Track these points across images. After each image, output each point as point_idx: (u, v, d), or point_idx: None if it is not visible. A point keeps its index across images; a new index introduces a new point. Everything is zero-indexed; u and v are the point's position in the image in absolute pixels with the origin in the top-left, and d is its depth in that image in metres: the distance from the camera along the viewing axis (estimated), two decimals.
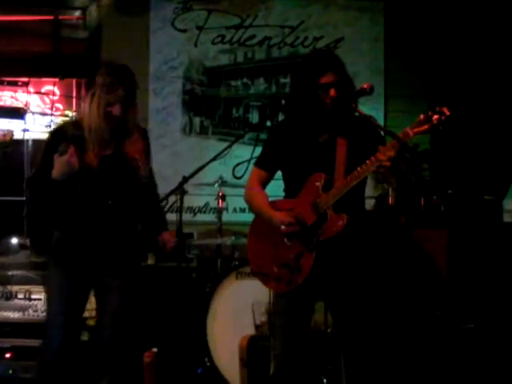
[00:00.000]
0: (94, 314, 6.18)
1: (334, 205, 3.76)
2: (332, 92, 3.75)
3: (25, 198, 4.21)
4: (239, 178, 7.31)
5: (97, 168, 3.90)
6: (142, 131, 4.12)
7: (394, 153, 3.60)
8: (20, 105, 7.12)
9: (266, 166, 4.06)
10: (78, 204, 3.93)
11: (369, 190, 4.11)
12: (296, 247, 3.86)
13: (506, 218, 6.18)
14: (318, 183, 3.83)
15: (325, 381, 5.12)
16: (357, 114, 3.83)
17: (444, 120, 3.54)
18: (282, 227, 3.83)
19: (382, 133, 3.99)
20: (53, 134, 4.12)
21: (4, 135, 4.47)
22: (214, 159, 5.21)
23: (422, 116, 3.57)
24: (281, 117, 7.29)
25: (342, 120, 3.86)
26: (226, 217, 6.37)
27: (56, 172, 3.78)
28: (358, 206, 3.94)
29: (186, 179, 5.19)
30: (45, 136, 6.92)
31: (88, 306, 4.60)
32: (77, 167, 3.78)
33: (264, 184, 4.07)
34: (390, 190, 5.93)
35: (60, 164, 3.75)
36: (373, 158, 3.64)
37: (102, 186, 3.94)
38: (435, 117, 3.54)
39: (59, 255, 4.00)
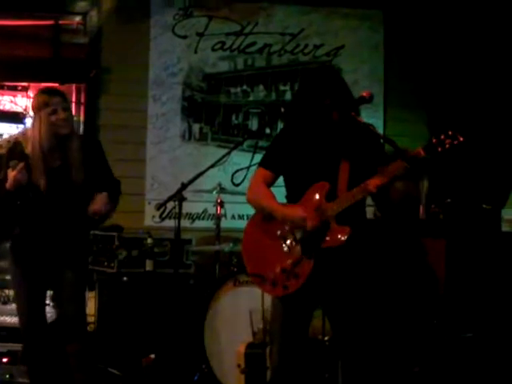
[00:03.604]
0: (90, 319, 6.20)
1: (338, 214, 3.78)
2: (334, 115, 3.80)
3: None
4: (238, 184, 7.31)
5: (45, 182, 4.39)
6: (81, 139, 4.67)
7: (385, 182, 3.65)
8: (19, 109, 7.11)
9: (272, 166, 4.05)
10: (31, 209, 4.43)
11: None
12: (295, 253, 3.86)
13: (505, 228, 6.18)
14: (321, 192, 3.84)
15: None
16: (357, 122, 3.85)
17: (457, 145, 3.55)
18: (310, 222, 3.84)
19: (382, 141, 4.01)
20: (8, 149, 4.56)
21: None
22: (212, 166, 5.21)
23: (434, 139, 3.58)
24: (280, 124, 7.32)
25: (345, 130, 3.88)
26: (224, 223, 6.37)
27: (8, 184, 4.30)
28: (359, 216, 3.95)
29: (184, 185, 5.19)
30: None
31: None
32: (25, 182, 4.31)
33: (268, 185, 4.05)
34: None
35: (10, 178, 4.29)
36: (361, 185, 3.72)
37: (49, 196, 4.40)
38: (448, 141, 3.56)
39: (16, 255, 4.52)
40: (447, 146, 3.56)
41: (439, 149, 3.58)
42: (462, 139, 3.55)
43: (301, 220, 3.84)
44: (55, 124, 4.37)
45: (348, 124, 3.87)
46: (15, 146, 4.49)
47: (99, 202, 4.43)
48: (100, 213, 4.44)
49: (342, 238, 3.77)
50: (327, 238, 3.79)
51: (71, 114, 4.56)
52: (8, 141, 4.65)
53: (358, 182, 3.76)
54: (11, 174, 4.26)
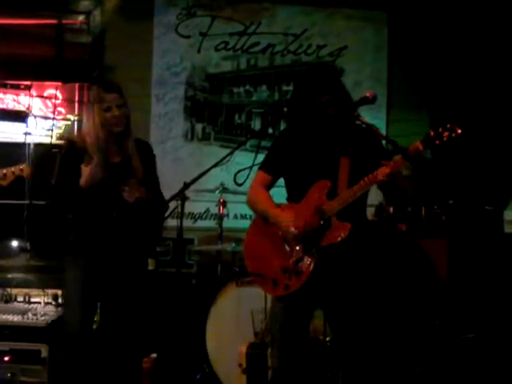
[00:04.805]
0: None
1: (338, 212, 3.78)
2: (330, 111, 3.80)
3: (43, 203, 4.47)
4: (240, 184, 7.31)
5: (105, 177, 4.29)
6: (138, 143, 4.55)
7: (394, 170, 3.64)
8: (22, 108, 7.12)
9: (271, 169, 4.08)
10: (92, 210, 4.34)
11: (370, 198, 4.11)
12: (296, 251, 3.87)
13: (507, 229, 6.18)
14: (322, 190, 3.84)
15: None
16: (359, 122, 3.86)
17: (454, 137, 3.54)
18: (292, 229, 3.85)
19: (384, 142, 4.01)
20: (69, 144, 4.49)
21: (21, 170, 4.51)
22: (215, 165, 5.20)
23: (432, 132, 3.57)
24: (283, 124, 7.32)
25: (345, 129, 3.88)
26: (226, 223, 6.35)
27: (83, 181, 4.22)
28: (360, 214, 3.96)
29: (187, 185, 5.19)
30: (47, 140, 7.00)
31: None
32: (100, 177, 4.23)
33: (267, 188, 4.09)
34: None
35: (86, 175, 4.21)
36: (371, 175, 3.69)
37: (109, 194, 4.30)
38: (445, 134, 3.54)
39: (75, 255, 4.38)
40: (445, 138, 3.55)
41: (437, 142, 3.56)
42: (459, 131, 3.54)
43: (287, 231, 3.87)
44: (109, 121, 4.30)
45: (347, 122, 3.87)
46: (72, 144, 4.43)
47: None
48: (131, 193, 4.32)
49: (343, 234, 3.78)
50: (328, 236, 3.80)
51: (126, 111, 4.39)
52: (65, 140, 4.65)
53: (359, 179, 3.76)
54: (86, 170, 4.21)
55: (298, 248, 3.88)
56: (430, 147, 3.59)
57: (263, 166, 4.14)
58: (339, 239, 3.78)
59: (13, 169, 4.34)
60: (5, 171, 4.31)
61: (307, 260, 3.84)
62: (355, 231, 3.80)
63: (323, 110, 3.81)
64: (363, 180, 3.72)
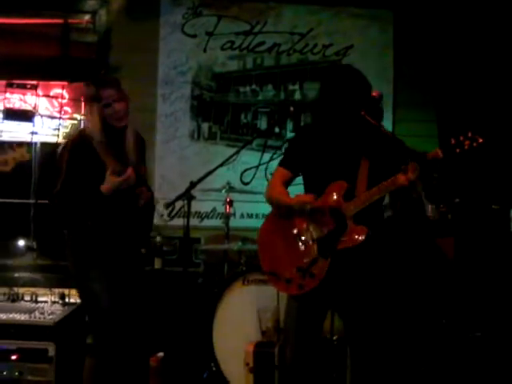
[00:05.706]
0: None
1: (355, 214, 3.78)
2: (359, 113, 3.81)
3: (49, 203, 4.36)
4: (247, 183, 7.30)
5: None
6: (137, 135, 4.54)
7: (413, 177, 3.64)
8: (29, 107, 7.13)
9: (290, 166, 4.08)
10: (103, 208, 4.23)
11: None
12: (311, 252, 3.86)
13: None
14: (339, 191, 3.84)
15: None
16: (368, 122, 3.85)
17: (476, 147, 3.54)
18: (308, 206, 3.84)
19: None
20: (78, 137, 4.37)
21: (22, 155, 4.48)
22: (221, 165, 5.22)
23: (453, 140, 3.57)
24: (289, 123, 7.32)
25: (366, 131, 3.87)
26: (233, 222, 6.35)
27: (106, 188, 4.12)
28: (377, 216, 3.95)
29: (193, 184, 5.20)
30: (53, 139, 7.00)
31: None
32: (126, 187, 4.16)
33: (286, 184, 4.08)
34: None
35: (114, 182, 4.10)
36: (390, 180, 3.68)
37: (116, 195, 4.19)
38: (467, 142, 3.54)
39: (92, 252, 4.28)
40: (466, 147, 3.55)
41: (458, 150, 3.56)
42: (481, 141, 3.53)
43: (301, 203, 3.85)
44: (110, 117, 4.23)
45: (367, 124, 3.86)
46: (81, 141, 4.30)
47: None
48: (142, 195, 4.33)
49: (360, 238, 3.77)
50: (344, 238, 3.80)
51: (127, 103, 4.32)
52: (72, 137, 4.50)
53: (377, 181, 3.75)
54: (115, 179, 4.13)
55: (313, 248, 3.87)
56: (449, 155, 3.59)
57: (282, 162, 4.14)
58: (356, 243, 3.78)
59: (13, 155, 4.31)
60: (6, 157, 4.29)
61: (322, 261, 3.83)
62: (372, 233, 3.79)
63: (352, 113, 3.81)
64: (382, 184, 3.72)
